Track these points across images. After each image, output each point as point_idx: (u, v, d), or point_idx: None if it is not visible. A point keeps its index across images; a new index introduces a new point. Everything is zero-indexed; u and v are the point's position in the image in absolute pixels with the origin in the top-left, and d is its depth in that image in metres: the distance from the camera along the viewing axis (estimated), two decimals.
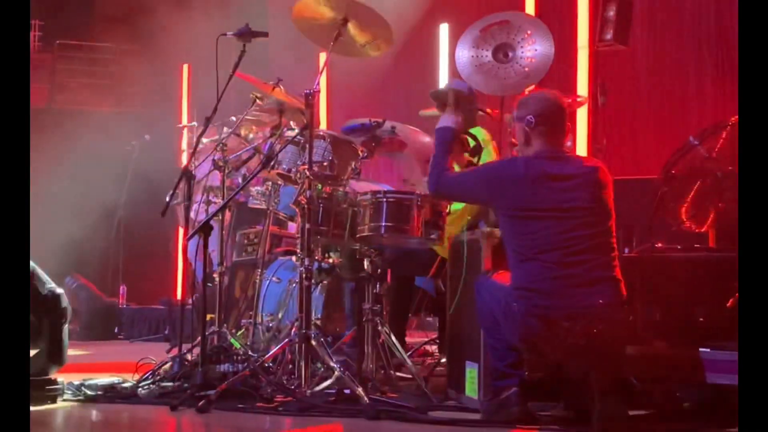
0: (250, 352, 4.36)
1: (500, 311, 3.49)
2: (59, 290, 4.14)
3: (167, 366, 4.43)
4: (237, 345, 4.42)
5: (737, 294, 3.45)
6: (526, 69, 5.50)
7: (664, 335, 3.61)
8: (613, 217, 3.55)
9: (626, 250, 3.80)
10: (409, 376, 4.36)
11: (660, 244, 3.74)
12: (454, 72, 7.30)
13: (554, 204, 3.47)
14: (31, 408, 3.70)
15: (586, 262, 3.40)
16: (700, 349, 3.53)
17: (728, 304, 3.47)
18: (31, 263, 4.15)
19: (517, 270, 3.50)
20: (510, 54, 5.51)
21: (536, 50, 5.46)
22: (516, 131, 3.76)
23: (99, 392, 4.14)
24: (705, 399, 3.49)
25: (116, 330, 8.30)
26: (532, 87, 6.17)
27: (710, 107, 6.45)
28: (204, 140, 5.73)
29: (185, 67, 9.89)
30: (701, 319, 3.54)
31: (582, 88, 6.07)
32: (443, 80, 7.61)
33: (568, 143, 4.01)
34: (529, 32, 5.53)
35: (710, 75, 6.68)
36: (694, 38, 6.81)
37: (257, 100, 4.93)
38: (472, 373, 3.84)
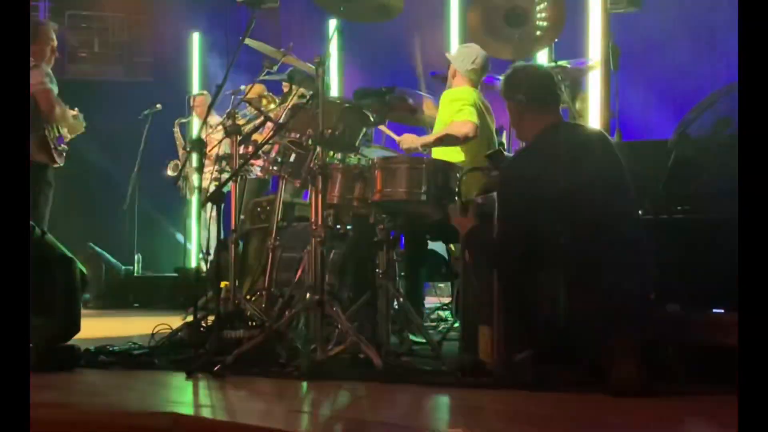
0: (264, 318, 4.39)
1: (523, 277, 3.49)
2: (72, 257, 4.16)
3: (182, 332, 4.48)
4: (251, 311, 4.44)
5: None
6: (538, 33, 5.48)
7: (677, 298, 3.61)
8: (628, 184, 3.54)
9: (639, 212, 3.78)
10: (423, 340, 4.39)
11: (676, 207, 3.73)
12: (464, 37, 7.27)
13: (572, 177, 3.45)
14: (47, 375, 3.76)
15: (610, 232, 3.39)
16: (713, 311, 3.54)
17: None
18: (42, 230, 4.18)
19: (543, 242, 3.46)
20: (522, 18, 5.49)
21: (548, 13, 5.44)
22: (508, 110, 3.73)
23: (115, 359, 4.18)
24: (718, 360, 3.49)
25: (131, 298, 8.38)
26: (544, 50, 6.18)
27: (723, 70, 6.39)
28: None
29: (196, 35, 9.86)
30: (717, 282, 3.53)
31: (594, 51, 6.03)
32: (454, 46, 7.56)
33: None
34: None
35: (722, 37, 6.61)
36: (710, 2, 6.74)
37: (267, 67, 4.92)
38: (485, 337, 3.86)
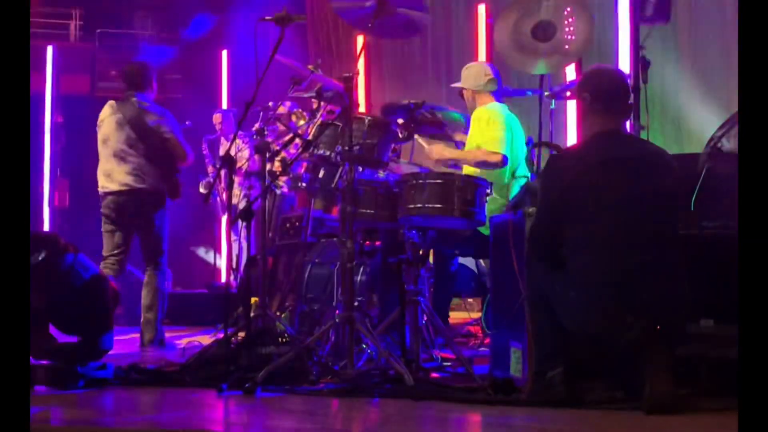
0: (294, 335, 4.40)
1: (554, 296, 3.46)
2: (103, 275, 4.20)
3: (213, 349, 4.49)
4: (282, 327, 4.45)
5: None
6: (567, 47, 5.46)
7: (711, 314, 3.57)
8: (675, 199, 3.50)
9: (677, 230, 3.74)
10: (453, 356, 4.37)
11: (707, 222, 3.69)
12: (491, 53, 7.27)
13: (613, 191, 3.42)
14: (80, 392, 3.79)
15: (648, 252, 3.35)
16: None
17: None
18: (74, 251, 4.22)
19: (576, 258, 3.43)
20: (550, 32, 5.48)
21: (576, 28, 5.43)
22: (577, 108, 3.72)
23: (146, 376, 4.20)
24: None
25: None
26: (572, 65, 6.16)
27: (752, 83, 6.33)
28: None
29: (224, 53, 9.95)
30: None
31: (624, 65, 6.00)
32: (481, 59, 7.56)
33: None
34: (569, 9, 5.49)
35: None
36: (736, 13, 6.68)
37: (296, 84, 4.94)
38: (516, 354, 3.84)
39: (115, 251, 5.70)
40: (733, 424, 3.08)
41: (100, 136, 5.79)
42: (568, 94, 5.36)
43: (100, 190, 5.73)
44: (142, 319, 5.70)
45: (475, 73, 5.31)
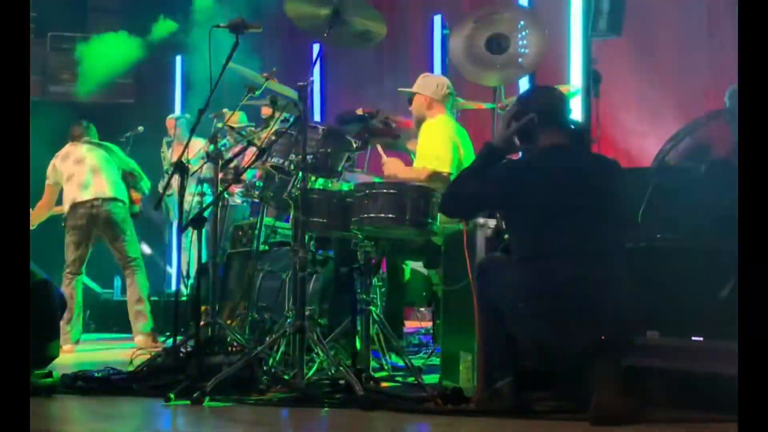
0: (244, 344, 4.37)
1: (505, 306, 3.48)
2: (49, 280, 4.14)
3: (161, 358, 4.44)
4: (232, 336, 4.42)
5: (731, 284, 3.47)
6: (520, 60, 5.52)
7: (657, 325, 3.62)
8: (624, 212, 3.54)
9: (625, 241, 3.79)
10: (404, 366, 4.38)
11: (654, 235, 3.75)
12: (446, 63, 7.31)
13: (563, 202, 3.45)
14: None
15: (597, 263, 3.39)
16: (692, 338, 3.55)
17: (722, 294, 3.48)
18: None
19: (524, 268, 3.46)
20: (503, 44, 5.53)
21: (530, 41, 5.49)
22: (519, 131, 3.72)
23: (93, 385, 4.14)
24: (696, 388, 3.50)
25: (110, 323, 8.30)
26: (525, 77, 6.22)
27: (702, 98, 6.45)
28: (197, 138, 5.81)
29: (178, 58, 9.88)
30: (695, 309, 3.55)
31: (575, 78, 6.08)
32: (437, 71, 7.61)
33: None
34: (522, 23, 5.55)
35: (703, 66, 6.68)
36: (686, 29, 6.81)
37: (250, 91, 4.92)
38: (466, 364, 3.86)
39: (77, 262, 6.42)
40: None
41: (69, 163, 6.55)
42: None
43: (72, 202, 6.42)
44: (132, 315, 6.37)
45: (435, 83, 5.34)
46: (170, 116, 8.43)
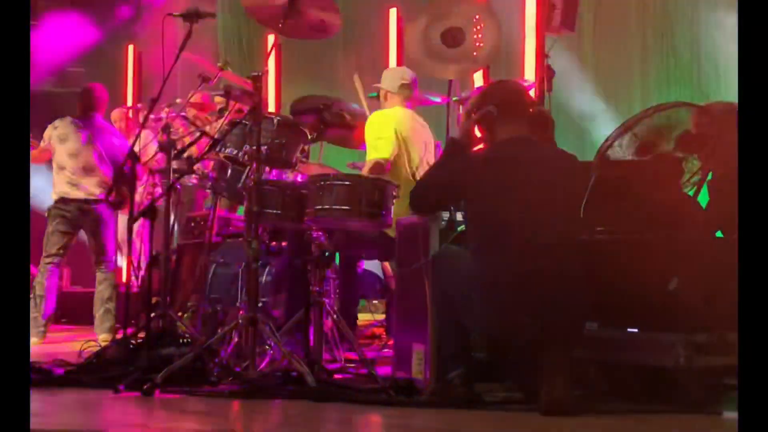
0: (196, 335, 4.34)
1: (458, 297, 3.50)
2: None
3: (111, 350, 4.39)
4: (183, 328, 4.39)
5: (677, 278, 3.54)
6: (475, 54, 5.55)
7: (598, 316, 3.67)
8: (580, 205, 3.58)
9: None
10: (357, 358, 4.38)
11: (600, 228, 3.80)
12: (402, 56, 7.32)
13: (520, 193, 3.47)
14: None
15: (550, 255, 3.42)
16: (629, 330, 3.61)
17: (670, 287, 3.54)
18: None
19: (478, 260, 3.49)
20: (459, 38, 5.56)
21: (485, 35, 5.51)
22: (479, 122, 3.74)
23: (41, 375, 4.08)
24: (635, 379, 3.57)
25: (59, 314, 8.16)
26: (480, 71, 6.26)
27: (654, 93, 6.55)
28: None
29: (130, 48, 9.74)
30: (635, 301, 3.61)
31: (529, 73, 6.12)
32: (392, 63, 7.61)
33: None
34: (477, 16, 5.58)
35: (654, 61, 6.78)
36: (639, 24, 6.90)
37: (204, 82, 4.88)
38: (419, 355, 3.87)
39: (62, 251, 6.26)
40: (620, 425, 3.19)
41: (64, 149, 6.22)
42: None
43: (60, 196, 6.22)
44: (100, 311, 6.11)
45: (392, 76, 5.36)
46: (116, 110, 8.27)
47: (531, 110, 3.77)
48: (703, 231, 3.94)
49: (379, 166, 4.98)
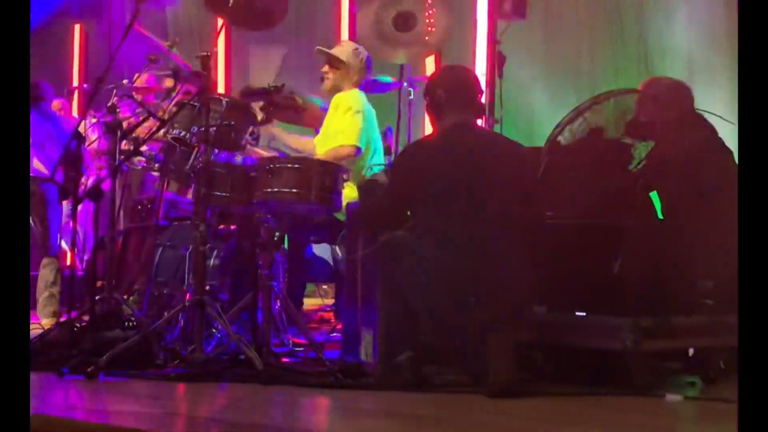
0: (142, 318, 4.28)
1: (405, 282, 3.51)
2: None
3: (55, 332, 4.32)
4: (129, 311, 4.33)
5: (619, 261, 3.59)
6: (427, 38, 5.55)
7: (546, 301, 3.71)
8: (529, 190, 3.61)
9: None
10: (305, 341, 4.37)
11: (549, 213, 3.83)
12: (353, 38, 7.29)
13: (465, 178, 3.50)
14: None
15: (494, 238, 3.44)
16: (576, 314, 3.65)
17: (614, 270, 3.59)
18: None
19: (425, 245, 3.50)
20: (411, 22, 5.55)
21: (436, 19, 5.51)
22: (427, 107, 3.76)
23: None
24: (582, 362, 3.62)
25: None
26: (432, 56, 6.25)
27: (601, 82, 6.61)
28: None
29: (77, 27, 9.56)
30: (582, 285, 3.65)
31: (480, 59, 6.13)
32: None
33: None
34: (429, 1, 5.57)
35: (604, 49, 6.84)
36: (590, 12, 6.96)
37: (151, 62, 4.81)
38: (367, 339, 3.88)
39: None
40: (565, 407, 3.23)
41: None
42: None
43: None
44: (45, 294, 5.98)
45: (353, 52, 5.29)
46: (56, 99, 8.06)
47: (479, 96, 3.79)
48: (648, 214, 4.00)
49: (349, 151, 4.94)
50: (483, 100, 3.90)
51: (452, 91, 3.68)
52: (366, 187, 4.26)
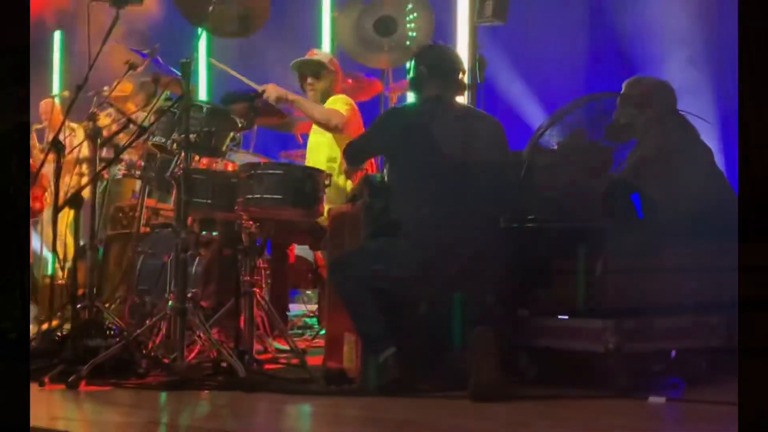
0: (123, 327, 4.25)
1: (382, 255, 3.56)
2: None
3: (35, 341, 4.28)
4: (110, 319, 4.30)
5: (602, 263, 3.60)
6: (408, 43, 5.56)
7: (528, 303, 3.72)
8: (503, 161, 3.64)
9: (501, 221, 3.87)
10: (288, 348, 4.35)
11: (531, 216, 3.84)
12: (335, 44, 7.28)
13: (446, 152, 3.57)
14: None
15: (472, 221, 3.48)
16: (559, 317, 3.65)
17: (597, 273, 3.59)
18: None
19: (407, 212, 3.59)
20: (391, 27, 5.55)
21: (417, 24, 5.52)
22: (410, 83, 3.86)
23: None
24: (565, 365, 3.62)
25: None
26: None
27: (581, 84, 6.64)
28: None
29: (57, 34, 9.51)
30: (563, 289, 3.65)
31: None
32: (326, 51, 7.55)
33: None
34: (410, 6, 5.58)
35: (584, 52, 6.87)
36: (569, 16, 6.98)
37: (131, 69, 4.78)
38: (350, 344, 3.86)
39: None
40: (549, 411, 3.23)
41: None
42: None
43: None
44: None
45: (330, 56, 5.32)
46: (44, 101, 8.01)
47: (461, 74, 3.85)
48: (629, 216, 4.02)
49: (340, 118, 4.91)
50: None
51: (433, 68, 3.77)
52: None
